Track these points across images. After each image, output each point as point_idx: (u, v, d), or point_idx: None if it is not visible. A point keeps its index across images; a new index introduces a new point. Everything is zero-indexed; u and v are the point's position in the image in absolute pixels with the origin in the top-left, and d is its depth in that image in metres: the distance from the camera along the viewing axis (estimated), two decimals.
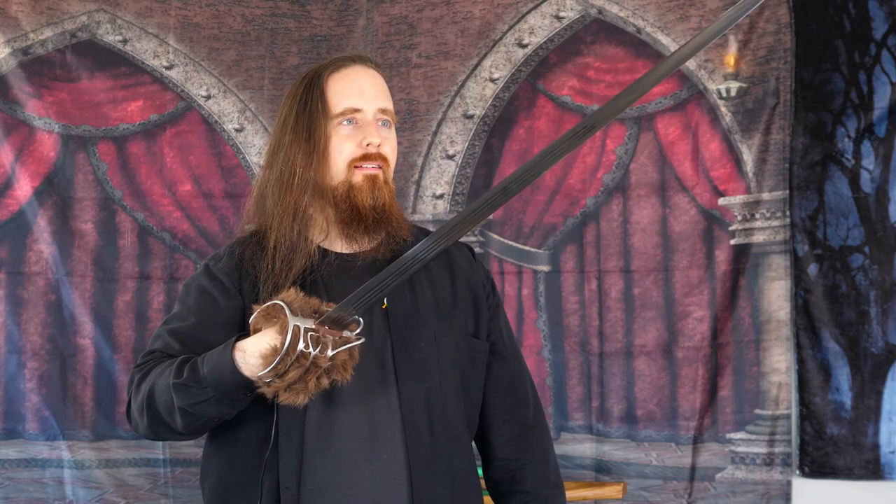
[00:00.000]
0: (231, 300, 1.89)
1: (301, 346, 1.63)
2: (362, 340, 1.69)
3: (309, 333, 1.64)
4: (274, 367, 1.64)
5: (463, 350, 1.93)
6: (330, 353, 1.64)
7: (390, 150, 1.94)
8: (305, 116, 1.93)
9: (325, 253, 1.92)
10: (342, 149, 1.91)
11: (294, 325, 1.64)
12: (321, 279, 1.89)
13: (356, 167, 1.90)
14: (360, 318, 1.69)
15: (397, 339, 1.86)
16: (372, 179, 1.90)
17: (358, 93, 1.93)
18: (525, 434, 2.01)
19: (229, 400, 1.74)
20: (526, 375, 2.06)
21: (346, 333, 1.68)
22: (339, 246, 1.94)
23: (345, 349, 1.66)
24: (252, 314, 1.77)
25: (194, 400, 1.74)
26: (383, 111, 1.94)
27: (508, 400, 2.01)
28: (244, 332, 1.81)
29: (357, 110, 1.92)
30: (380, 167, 1.91)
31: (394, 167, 1.97)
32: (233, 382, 1.71)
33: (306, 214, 1.90)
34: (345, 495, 1.79)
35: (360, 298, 1.70)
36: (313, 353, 1.63)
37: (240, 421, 1.83)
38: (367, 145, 1.90)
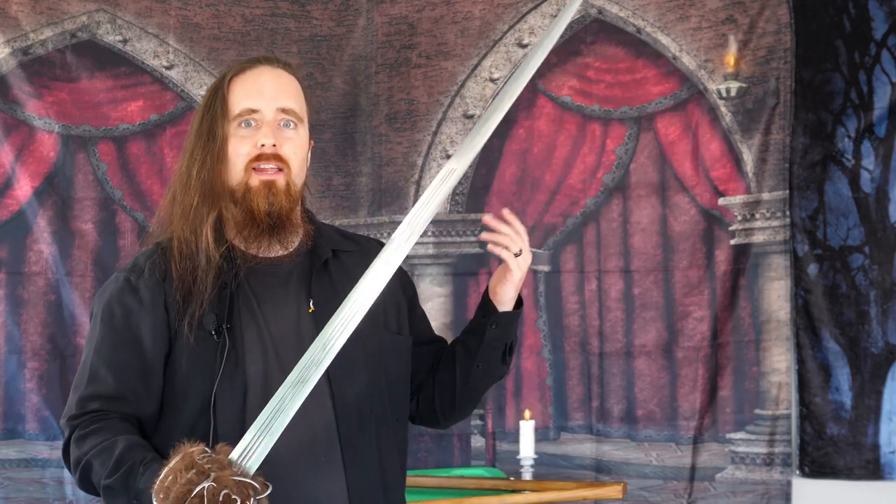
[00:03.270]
0: (158, 317, 1.85)
1: (197, 458, 1.62)
2: (259, 489, 1.62)
3: (206, 455, 1.62)
4: (163, 474, 1.62)
5: (387, 347, 1.93)
6: (214, 473, 1.60)
7: (292, 150, 1.89)
8: (207, 119, 1.91)
9: (245, 257, 1.88)
10: (239, 150, 1.88)
11: (199, 447, 1.63)
12: (249, 286, 1.87)
13: (254, 170, 1.87)
14: (269, 484, 1.64)
15: None
16: (269, 185, 1.87)
17: (257, 93, 1.90)
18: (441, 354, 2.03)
19: None
20: (440, 343, 2.08)
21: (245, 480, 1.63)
22: (262, 250, 1.91)
23: (233, 479, 1.60)
24: (177, 324, 1.80)
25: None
26: (285, 111, 1.90)
27: (435, 364, 2.03)
28: (170, 347, 1.82)
29: (254, 111, 1.89)
30: (279, 169, 1.87)
31: (300, 168, 1.92)
32: None
33: (200, 214, 1.87)
34: (287, 499, 1.78)
35: (250, 443, 1.66)
36: (199, 463, 1.61)
37: (174, 434, 1.79)
38: (262, 146, 1.87)
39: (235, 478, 1.59)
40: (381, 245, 2.01)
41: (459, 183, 4.00)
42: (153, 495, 1.61)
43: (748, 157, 3.72)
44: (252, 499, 1.59)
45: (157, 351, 1.83)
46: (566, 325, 3.91)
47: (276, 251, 1.91)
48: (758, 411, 3.69)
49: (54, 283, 3.87)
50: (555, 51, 3.95)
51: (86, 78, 3.94)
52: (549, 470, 3.81)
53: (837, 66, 3.63)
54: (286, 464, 1.79)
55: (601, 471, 3.84)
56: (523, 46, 3.98)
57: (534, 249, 3.95)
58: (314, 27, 4.07)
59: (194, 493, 1.57)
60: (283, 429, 1.66)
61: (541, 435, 3.82)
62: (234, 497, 1.57)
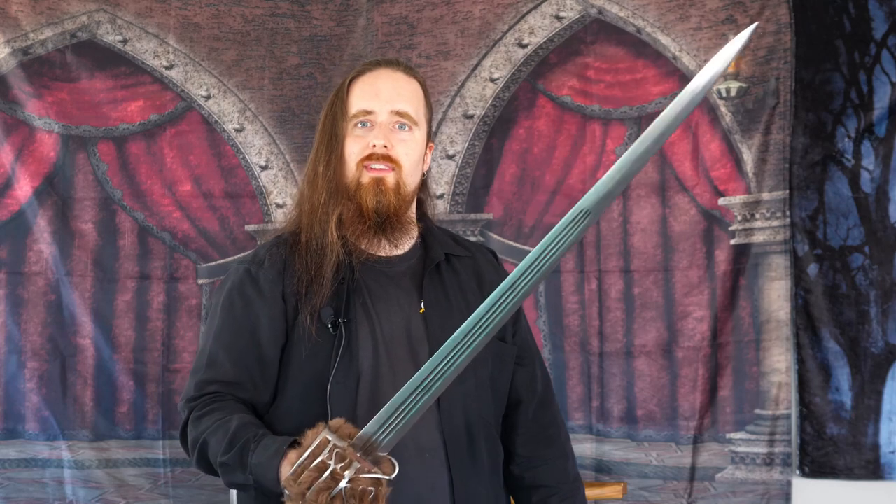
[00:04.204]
0: (276, 308, 1.90)
1: (325, 455, 1.61)
2: (391, 478, 1.63)
3: (336, 450, 1.60)
4: (294, 471, 1.62)
5: (493, 353, 1.97)
6: (349, 473, 1.59)
7: (404, 152, 1.95)
8: (330, 119, 1.98)
9: (361, 254, 1.94)
10: (352, 149, 1.94)
11: (324, 437, 1.62)
12: (364, 283, 1.92)
13: (365, 167, 1.93)
14: (396, 462, 1.64)
15: (434, 342, 1.88)
16: (378, 181, 1.92)
17: (373, 95, 1.96)
18: (546, 432, 2.06)
19: (268, 494, 1.74)
20: (545, 376, 2.10)
21: (376, 471, 1.62)
22: (380, 249, 1.96)
23: (368, 477, 1.60)
24: (294, 315, 1.85)
25: (236, 481, 1.77)
26: (399, 113, 1.95)
27: (530, 400, 2.05)
28: (286, 338, 1.86)
29: (369, 112, 1.95)
30: (390, 169, 1.93)
31: (412, 170, 1.97)
32: (273, 486, 1.71)
33: (327, 211, 1.93)
34: (391, 492, 1.81)
35: (388, 419, 1.65)
36: (333, 465, 1.59)
37: (286, 421, 1.84)
38: (373, 146, 1.93)
39: (368, 475, 1.59)
40: (491, 252, 2.10)
41: (459, 182, 4.00)
42: (283, 486, 1.62)
43: (748, 157, 3.72)
44: (383, 488, 1.60)
45: (274, 341, 1.88)
46: (566, 325, 3.91)
47: (386, 250, 1.96)
48: (758, 411, 3.69)
49: (54, 283, 3.87)
50: (555, 51, 3.98)
51: (86, 78, 3.94)
52: None
53: (837, 66, 3.63)
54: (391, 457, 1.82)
55: (601, 471, 3.84)
56: (523, 46, 3.99)
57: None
58: (314, 27, 4.07)
59: (333, 494, 1.58)
60: (409, 427, 1.64)
61: None
62: (368, 490, 1.59)
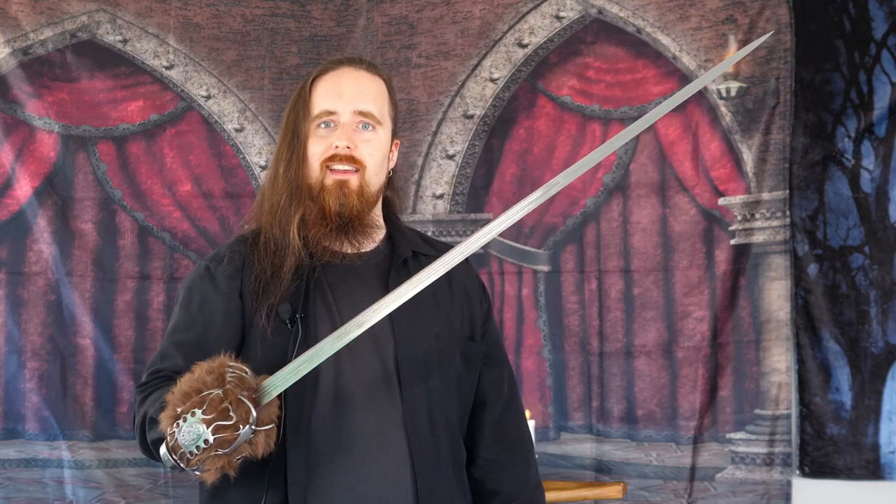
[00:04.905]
0: (232, 304, 1.89)
1: (227, 368, 1.63)
2: (255, 423, 1.62)
3: (238, 371, 1.63)
4: (194, 370, 1.64)
5: (460, 351, 1.95)
6: (230, 386, 1.60)
7: (368, 153, 1.92)
8: (292, 118, 1.95)
9: (324, 252, 1.92)
10: (315, 150, 1.92)
11: (238, 364, 1.65)
12: (326, 280, 1.90)
13: (329, 169, 1.91)
14: (276, 419, 1.65)
15: (400, 340, 1.87)
16: (341, 184, 1.90)
17: (335, 95, 1.93)
18: (509, 436, 2.03)
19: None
20: (513, 380, 2.08)
21: (250, 406, 1.63)
22: (343, 246, 1.94)
23: (240, 397, 1.60)
24: (252, 312, 1.83)
25: (154, 436, 1.72)
26: (363, 113, 1.93)
27: (496, 402, 2.02)
28: (243, 334, 1.84)
29: (332, 112, 1.93)
30: (355, 170, 1.91)
31: (377, 170, 1.95)
32: None
33: (288, 212, 1.91)
34: (353, 491, 1.81)
35: (295, 369, 1.67)
36: (224, 372, 1.62)
37: None
38: (336, 147, 1.91)
39: (242, 398, 1.60)
40: None
41: (459, 182, 4.00)
42: (178, 378, 1.65)
43: (748, 157, 3.72)
44: (249, 426, 1.59)
45: (228, 335, 1.87)
46: (566, 325, 3.91)
47: (349, 250, 1.94)
48: (758, 411, 3.69)
49: (54, 283, 3.87)
50: (555, 51, 3.98)
51: (86, 78, 3.94)
52: (549, 470, 3.81)
53: (837, 66, 3.63)
54: (353, 454, 1.81)
55: (601, 471, 3.84)
56: (523, 46, 3.98)
57: (534, 249, 3.97)
58: (314, 27, 4.07)
59: (202, 393, 1.59)
60: (307, 371, 1.67)
61: (541, 435, 3.82)
62: (231, 414, 1.58)
